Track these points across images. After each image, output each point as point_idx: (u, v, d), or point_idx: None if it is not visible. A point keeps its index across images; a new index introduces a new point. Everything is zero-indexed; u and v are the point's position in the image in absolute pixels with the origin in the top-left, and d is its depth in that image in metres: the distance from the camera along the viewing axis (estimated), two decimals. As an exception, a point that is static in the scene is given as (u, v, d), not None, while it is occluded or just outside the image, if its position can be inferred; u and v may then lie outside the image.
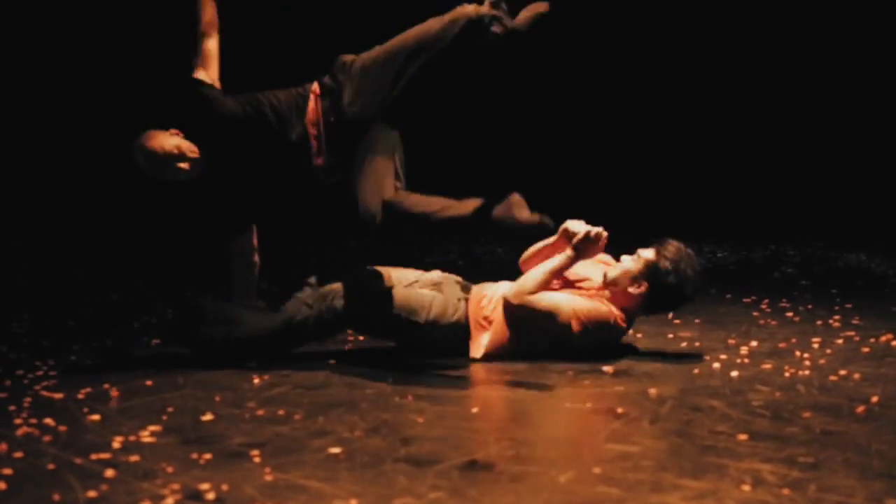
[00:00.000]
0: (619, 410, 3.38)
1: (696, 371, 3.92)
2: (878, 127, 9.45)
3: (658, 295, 4.16)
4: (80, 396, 3.64)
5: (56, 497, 2.66)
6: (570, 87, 9.75)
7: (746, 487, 2.65)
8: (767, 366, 3.97)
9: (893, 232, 7.90)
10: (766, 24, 9.60)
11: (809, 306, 5.18)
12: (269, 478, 2.77)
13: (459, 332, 4.20)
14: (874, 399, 3.47)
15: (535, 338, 4.15)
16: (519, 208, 3.81)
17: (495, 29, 4.05)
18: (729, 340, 4.43)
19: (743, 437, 3.06)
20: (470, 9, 4.03)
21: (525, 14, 4.15)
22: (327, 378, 3.91)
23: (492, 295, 4.26)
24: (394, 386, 3.78)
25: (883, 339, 4.40)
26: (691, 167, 9.66)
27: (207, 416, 3.37)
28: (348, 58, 4.13)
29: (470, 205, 3.92)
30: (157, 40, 8.37)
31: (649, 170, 9.72)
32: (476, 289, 4.32)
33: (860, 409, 3.36)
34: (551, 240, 4.32)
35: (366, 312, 4.21)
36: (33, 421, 3.32)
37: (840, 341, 4.39)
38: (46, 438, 3.15)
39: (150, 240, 7.79)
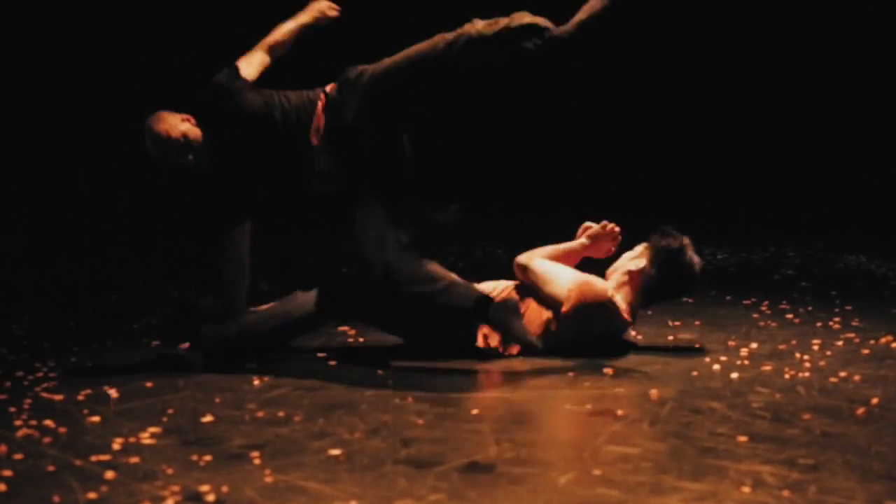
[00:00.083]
0: (619, 412, 3.39)
1: (695, 373, 3.92)
2: (877, 128, 9.45)
3: (660, 275, 4.25)
4: (80, 398, 3.64)
5: (56, 499, 2.66)
6: (570, 87, 9.75)
7: (746, 489, 2.65)
8: (767, 367, 3.97)
9: (893, 234, 7.90)
10: (765, 25, 9.60)
11: (809, 308, 5.18)
12: (269, 479, 2.77)
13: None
14: (874, 401, 3.47)
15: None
16: (513, 317, 3.97)
17: (528, 44, 3.98)
18: (729, 342, 4.43)
19: (743, 438, 3.06)
20: (473, 27, 3.98)
21: (577, 17, 4.08)
22: (327, 380, 3.91)
23: (495, 285, 4.36)
24: (394, 387, 3.78)
25: (883, 340, 4.40)
26: (691, 168, 9.67)
27: (207, 418, 3.37)
28: (354, 72, 4.09)
29: (470, 294, 4.01)
30: (156, 41, 8.38)
31: (649, 171, 9.72)
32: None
33: (860, 410, 3.36)
34: (565, 245, 4.47)
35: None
36: (33, 422, 3.32)
37: (840, 343, 4.39)
38: (46, 440, 3.15)
39: (149, 241, 7.80)
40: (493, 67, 4.04)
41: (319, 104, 4.09)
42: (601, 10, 3.97)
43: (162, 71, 8.38)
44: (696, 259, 4.33)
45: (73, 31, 8.12)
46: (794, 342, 4.41)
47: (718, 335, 4.59)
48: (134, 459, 2.95)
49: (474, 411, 3.46)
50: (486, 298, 4.00)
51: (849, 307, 5.17)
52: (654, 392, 3.62)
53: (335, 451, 2.99)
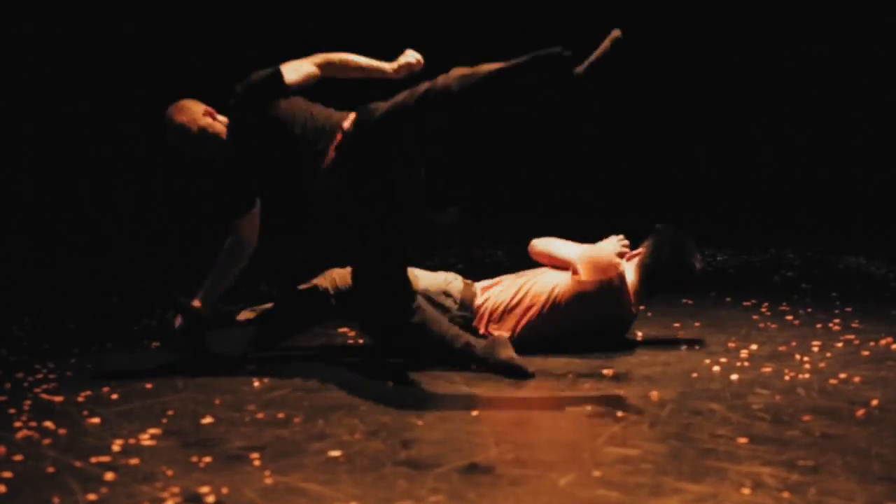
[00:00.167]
0: (619, 414, 3.38)
1: (695, 374, 3.92)
2: (877, 130, 9.45)
3: (660, 257, 4.38)
4: (80, 399, 3.64)
5: (56, 500, 2.66)
6: (569, 88, 9.74)
7: (746, 491, 2.65)
8: (767, 369, 3.97)
9: (893, 235, 7.90)
10: (766, 27, 9.61)
11: (809, 310, 5.18)
12: (268, 481, 2.77)
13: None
14: (874, 402, 3.47)
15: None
16: (503, 348, 3.98)
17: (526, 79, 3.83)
18: (729, 344, 4.43)
19: (743, 440, 3.06)
20: (445, 78, 3.77)
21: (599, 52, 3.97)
22: (327, 381, 3.91)
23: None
24: (394, 389, 3.78)
25: (883, 342, 4.40)
26: (691, 170, 9.67)
27: (207, 420, 3.37)
28: (366, 114, 3.91)
29: (462, 341, 4.05)
30: (155, 42, 8.39)
31: (649, 172, 9.72)
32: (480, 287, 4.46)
33: (860, 412, 3.36)
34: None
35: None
36: (33, 424, 3.32)
37: (840, 345, 4.39)
38: (46, 441, 3.15)
39: (150, 242, 7.80)
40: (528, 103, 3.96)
41: (339, 135, 3.93)
42: (554, 54, 3.82)
43: (161, 70, 8.38)
44: (696, 252, 4.45)
45: (73, 32, 8.12)
46: (794, 344, 4.41)
47: (718, 337, 4.59)
48: (134, 461, 2.95)
49: (474, 413, 3.46)
50: (469, 346, 4.04)
51: (849, 309, 5.17)
52: (654, 393, 3.62)
53: (335, 453, 2.99)
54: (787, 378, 3.83)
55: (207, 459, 2.95)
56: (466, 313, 4.34)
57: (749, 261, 7.03)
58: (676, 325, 4.86)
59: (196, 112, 4.12)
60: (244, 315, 4.45)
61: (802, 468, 2.81)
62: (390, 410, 3.46)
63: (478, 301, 4.38)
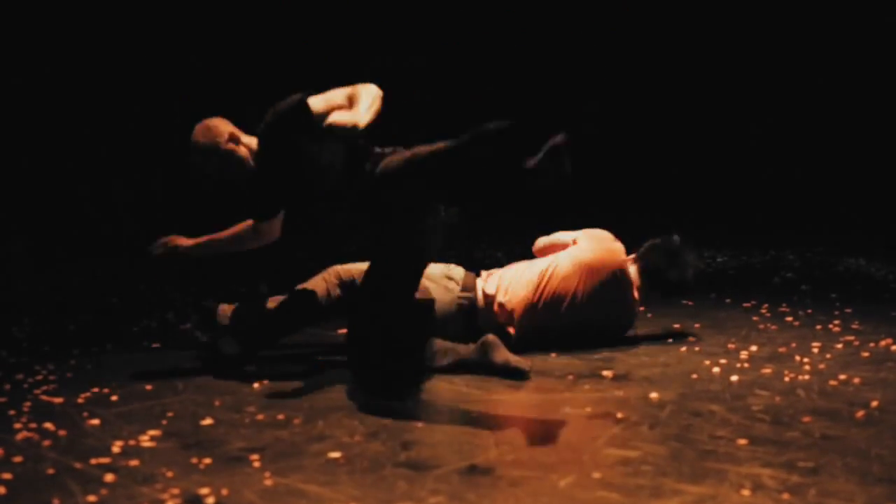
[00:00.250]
0: (619, 415, 3.38)
1: (695, 376, 3.92)
2: (877, 131, 9.45)
3: (657, 264, 4.51)
4: (80, 401, 3.64)
5: (56, 502, 2.66)
6: (569, 88, 9.75)
7: (746, 492, 2.65)
8: (767, 370, 3.97)
9: (893, 236, 7.90)
10: (766, 29, 9.61)
11: (809, 311, 5.18)
12: (268, 482, 2.77)
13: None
14: (874, 404, 3.47)
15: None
16: (496, 350, 3.98)
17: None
18: (729, 345, 4.43)
19: (743, 441, 3.06)
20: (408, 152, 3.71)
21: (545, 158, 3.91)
22: (327, 382, 3.91)
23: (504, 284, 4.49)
24: (393, 390, 3.78)
25: (883, 343, 4.40)
26: (691, 171, 9.67)
27: (207, 421, 3.37)
28: (376, 167, 3.85)
29: (461, 351, 4.05)
30: (155, 42, 8.38)
31: (649, 173, 9.72)
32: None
33: (860, 413, 3.36)
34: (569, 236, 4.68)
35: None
36: (33, 425, 3.32)
37: (840, 346, 4.39)
38: (46, 443, 3.15)
39: (150, 243, 7.79)
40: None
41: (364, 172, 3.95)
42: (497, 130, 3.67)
43: (161, 70, 8.39)
44: (692, 260, 4.61)
45: (71, 32, 8.12)
46: (793, 345, 4.41)
47: (718, 338, 4.59)
48: (134, 462, 2.95)
49: (474, 414, 3.46)
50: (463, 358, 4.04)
51: (848, 310, 5.18)
52: (653, 395, 3.62)
53: (335, 454, 2.99)
54: (786, 379, 3.83)
55: (207, 461, 2.95)
56: (469, 294, 4.37)
57: (749, 262, 7.03)
58: (676, 326, 4.86)
59: (221, 135, 4.06)
60: (223, 310, 4.44)
61: (802, 469, 2.81)
62: (390, 412, 3.46)
63: (482, 284, 4.45)
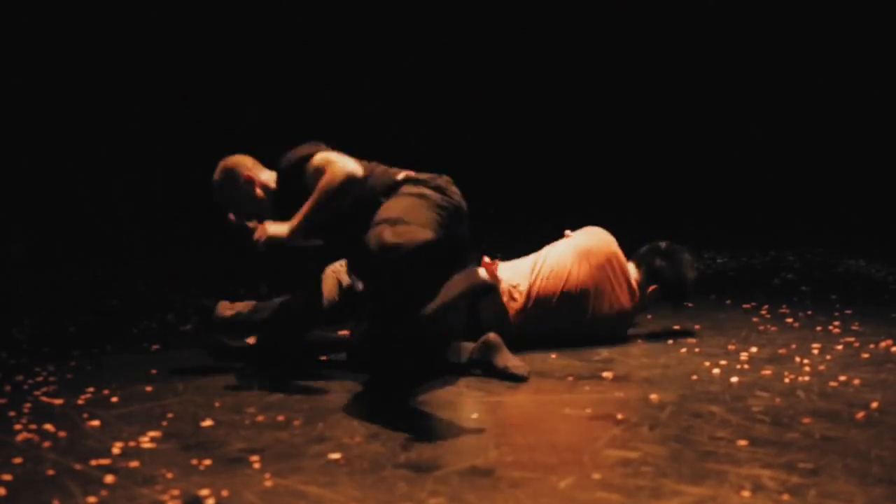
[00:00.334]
0: (619, 416, 3.38)
1: (695, 377, 3.92)
2: (877, 132, 9.45)
3: (656, 265, 4.62)
4: (80, 402, 3.64)
5: (56, 503, 2.66)
6: (569, 90, 9.76)
7: (746, 493, 2.65)
8: (767, 371, 3.97)
9: (893, 238, 7.90)
10: (766, 29, 9.61)
11: (809, 312, 5.18)
12: (268, 483, 2.77)
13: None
14: (874, 405, 3.47)
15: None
16: (496, 352, 3.98)
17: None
18: (729, 346, 4.43)
19: (743, 442, 3.06)
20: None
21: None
22: (327, 383, 3.91)
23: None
24: (393, 391, 3.78)
25: (883, 344, 4.40)
26: (691, 173, 9.67)
27: (207, 422, 3.37)
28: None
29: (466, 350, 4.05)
30: (155, 42, 8.38)
31: (648, 175, 9.73)
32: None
33: (860, 414, 3.36)
34: None
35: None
36: (33, 427, 3.32)
37: (840, 347, 4.39)
38: (46, 444, 3.15)
39: (150, 245, 7.80)
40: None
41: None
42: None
43: (162, 71, 8.39)
44: (692, 266, 4.74)
45: (73, 32, 8.12)
46: (793, 346, 4.41)
47: (718, 339, 4.59)
48: (134, 463, 2.95)
49: (474, 415, 3.46)
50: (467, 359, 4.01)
51: (849, 311, 5.17)
52: (653, 396, 3.62)
53: (335, 455, 2.99)
54: (786, 380, 3.83)
55: (207, 462, 2.95)
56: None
57: (749, 263, 7.03)
58: (676, 327, 4.86)
59: (238, 176, 4.12)
60: (223, 309, 4.44)
61: (802, 471, 2.81)
62: (390, 413, 3.46)
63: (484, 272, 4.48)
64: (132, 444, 3.14)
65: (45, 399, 3.69)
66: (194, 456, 3.01)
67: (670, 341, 4.58)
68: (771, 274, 6.53)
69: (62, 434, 3.25)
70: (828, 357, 4.21)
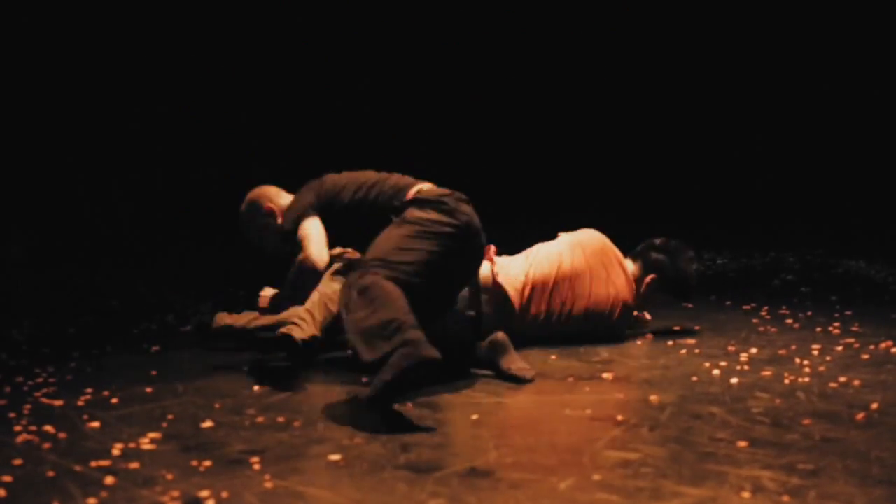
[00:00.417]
0: (619, 417, 3.38)
1: (695, 378, 3.92)
2: (877, 133, 9.46)
3: (655, 261, 4.67)
4: (80, 403, 3.64)
5: (56, 504, 2.66)
6: (570, 91, 9.76)
7: (746, 494, 2.65)
8: (767, 373, 3.97)
9: (893, 239, 7.90)
10: (766, 30, 9.61)
11: (809, 313, 5.18)
12: (268, 485, 2.77)
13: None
14: (874, 406, 3.47)
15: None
16: (503, 353, 4.00)
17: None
18: (728, 347, 4.44)
19: (743, 444, 3.06)
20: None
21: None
22: (327, 385, 3.91)
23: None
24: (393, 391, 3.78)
25: (882, 346, 4.41)
26: (691, 174, 9.67)
27: (207, 424, 3.37)
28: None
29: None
30: (155, 42, 8.39)
31: (648, 176, 9.73)
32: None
33: (860, 416, 3.36)
34: None
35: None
36: (33, 428, 3.32)
37: (840, 348, 4.39)
38: (46, 445, 3.15)
39: (150, 246, 7.80)
40: None
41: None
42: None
43: (162, 72, 8.39)
44: (692, 261, 4.76)
45: (73, 32, 8.12)
46: (793, 347, 4.41)
47: (718, 340, 4.59)
48: (134, 465, 2.95)
49: (474, 416, 3.46)
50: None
51: (848, 312, 5.18)
52: (653, 397, 3.62)
53: (335, 457, 2.99)
54: (786, 381, 3.83)
55: (207, 463, 2.95)
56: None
57: (749, 264, 7.03)
58: (676, 328, 4.86)
59: (259, 208, 4.26)
60: (221, 319, 4.50)
61: (802, 472, 2.81)
62: (390, 414, 3.46)
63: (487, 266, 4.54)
64: (132, 445, 3.14)
65: (45, 400, 3.69)
66: (194, 457, 3.01)
67: (670, 342, 4.58)
68: (771, 275, 6.53)
69: (62, 435, 3.25)
70: (828, 358, 4.21)
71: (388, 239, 3.87)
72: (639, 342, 4.61)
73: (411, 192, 4.03)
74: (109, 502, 2.67)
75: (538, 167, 9.69)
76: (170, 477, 2.84)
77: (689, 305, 5.33)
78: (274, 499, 2.68)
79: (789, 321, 5.00)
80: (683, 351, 4.40)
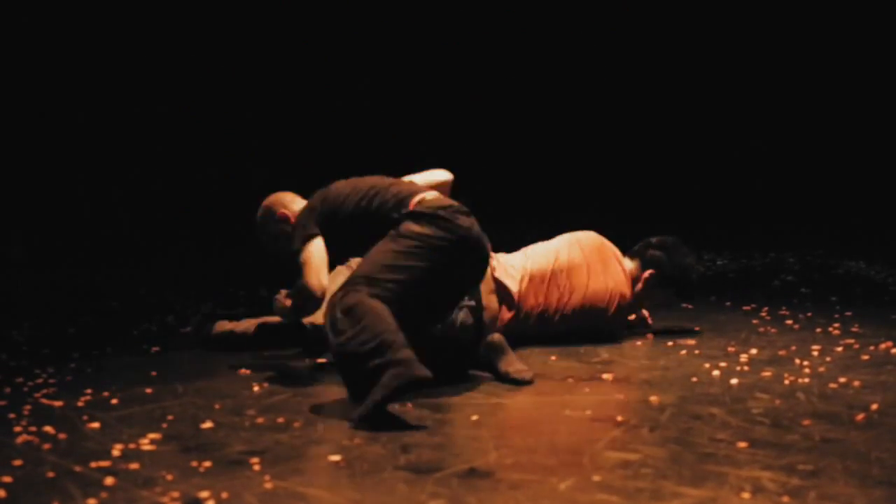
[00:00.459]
0: (619, 418, 3.38)
1: (695, 379, 3.92)
2: (877, 134, 9.45)
3: (655, 258, 4.68)
4: (80, 404, 3.64)
5: (56, 505, 2.66)
6: (569, 92, 9.76)
7: (746, 495, 2.65)
8: (767, 373, 3.97)
9: (893, 240, 7.90)
10: (766, 30, 9.61)
11: (809, 314, 5.18)
12: (268, 485, 2.77)
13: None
14: (874, 406, 3.47)
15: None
16: (500, 354, 3.99)
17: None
18: (728, 348, 4.43)
19: (743, 444, 3.06)
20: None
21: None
22: (327, 385, 3.91)
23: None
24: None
25: (882, 346, 4.40)
26: (691, 175, 9.67)
27: (207, 424, 3.37)
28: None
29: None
30: (156, 43, 8.39)
31: (648, 176, 9.72)
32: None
33: (860, 416, 3.36)
34: None
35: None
36: (33, 429, 3.32)
37: (840, 349, 4.39)
38: (46, 446, 3.15)
39: (150, 247, 7.80)
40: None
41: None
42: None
43: (160, 70, 8.39)
44: (692, 259, 4.78)
45: (73, 33, 8.12)
46: (793, 348, 4.41)
47: (718, 341, 4.59)
48: (134, 465, 2.95)
49: (474, 417, 3.46)
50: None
51: (848, 313, 5.18)
52: (653, 398, 3.62)
53: (335, 457, 2.99)
54: (786, 382, 3.83)
55: (207, 464, 2.95)
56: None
57: (749, 265, 7.03)
58: (676, 329, 4.86)
59: (273, 214, 4.25)
60: (222, 326, 4.52)
61: (802, 472, 2.81)
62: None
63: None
64: (132, 446, 3.14)
65: (44, 401, 3.69)
66: (194, 458, 3.01)
67: (670, 343, 4.58)
68: (771, 276, 6.53)
69: (62, 436, 3.25)
70: (828, 359, 4.21)
71: (378, 254, 3.84)
72: (639, 343, 4.61)
73: (413, 202, 3.97)
74: (109, 503, 2.67)
75: (538, 167, 9.69)
76: (170, 477, 2.84)
77: (689, 306, 5.33)
78: (274, 499, 2.68)
79: (789, 322, 5.00)
80: (683, 352, 4.40)
